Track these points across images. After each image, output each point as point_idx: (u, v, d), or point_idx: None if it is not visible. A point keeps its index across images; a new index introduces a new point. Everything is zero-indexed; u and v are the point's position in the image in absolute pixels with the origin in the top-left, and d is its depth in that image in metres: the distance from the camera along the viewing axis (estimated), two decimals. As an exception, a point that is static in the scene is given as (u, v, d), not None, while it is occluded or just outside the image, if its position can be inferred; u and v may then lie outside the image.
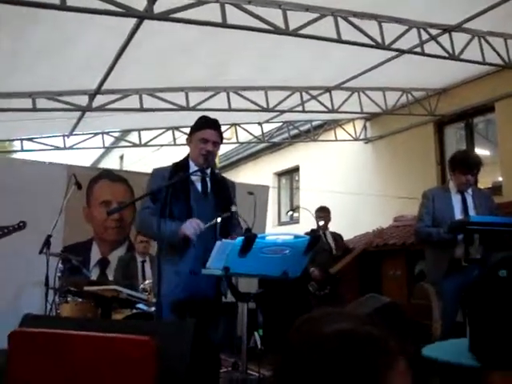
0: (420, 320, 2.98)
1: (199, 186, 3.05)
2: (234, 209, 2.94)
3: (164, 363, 1.83)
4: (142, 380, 1.75)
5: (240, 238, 2.51)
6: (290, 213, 10.66)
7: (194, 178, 3.03)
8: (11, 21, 4.50)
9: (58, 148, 8.49)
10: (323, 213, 6.31)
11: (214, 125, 3.08)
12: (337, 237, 6.35)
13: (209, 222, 2.83)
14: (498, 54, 5.79)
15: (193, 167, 3.05)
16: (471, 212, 3.78)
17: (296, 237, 2.69)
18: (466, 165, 3.85)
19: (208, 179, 3.07)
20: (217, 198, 3.05)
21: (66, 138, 8.36)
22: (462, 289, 3.68)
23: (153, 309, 4.06)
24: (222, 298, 3.01)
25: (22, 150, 8.48)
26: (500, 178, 7.15)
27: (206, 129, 3.02)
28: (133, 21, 4.57)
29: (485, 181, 7.31)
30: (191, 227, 2.79)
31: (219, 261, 2.52)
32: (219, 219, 2.81)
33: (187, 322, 2.09)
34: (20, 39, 4.93)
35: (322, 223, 6.25)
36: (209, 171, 3.09)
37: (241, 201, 3.33)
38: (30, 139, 8.32)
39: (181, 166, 3.07)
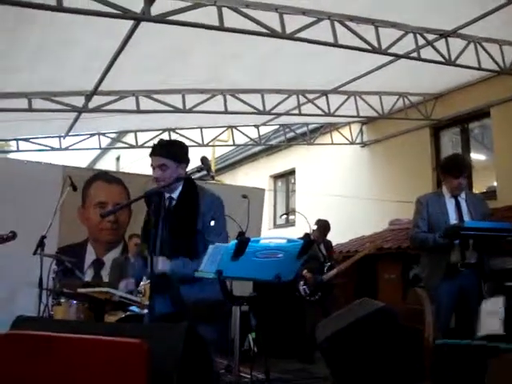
0: (413, 325, 2.98)
1: (163, 210, 2.90)
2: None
3: (156, 366, 1.83)
4: (134, 383, 1.75)
5: (233, 242, 2.51)
6: (284, 216, 10.67)
7: (165, 199, 2.92)
8: (7, 21, 4.49)
9: (53, 149, 8.48)
10: (317, 224, 6.35)
11: (154, 150, 2.93)
12: (328, 246, 6.39)
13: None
14: (494, 60, 5.81)
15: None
16: (465, 216, 3.78)
17: (289, 241, 2.68)
18: (457, 168, 3.86)
19: (174, 201, 2.92)
20: (175, 221, 2.87)
21: (62, 138, 8.35)
22: (458, 294, 3.69)
23: (145, 311, 4.05)
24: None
25: (18, 151, 8.45)
26: (495, 183, 7.17)
27: (151, 156, 2.93)
28: (130, 23, 4.57)
29: (479, 185, 7.34)
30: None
31: (212, 264, 2.51)
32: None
33: (179, 325, 2.09)
34: (17, 39, 4.92)
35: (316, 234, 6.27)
36: (178, 191, 2.92)
37: (235, 204, 3.32)
38: (26, 139, 8.31)
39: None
